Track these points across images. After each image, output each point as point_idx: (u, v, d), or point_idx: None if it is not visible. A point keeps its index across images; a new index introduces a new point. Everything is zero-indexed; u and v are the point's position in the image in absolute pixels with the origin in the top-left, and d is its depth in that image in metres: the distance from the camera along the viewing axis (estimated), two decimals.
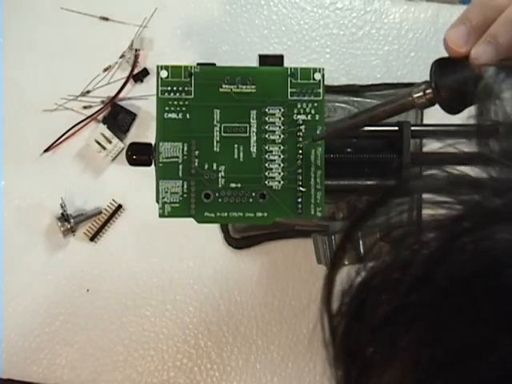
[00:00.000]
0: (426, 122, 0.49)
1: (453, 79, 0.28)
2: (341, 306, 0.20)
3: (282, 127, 0.34)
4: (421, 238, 0.19)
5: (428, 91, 0.29)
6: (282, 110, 0.34)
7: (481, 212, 0.17)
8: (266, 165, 0.34)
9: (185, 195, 0.33)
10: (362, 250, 0.37)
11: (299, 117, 0.34)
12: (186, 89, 0.33)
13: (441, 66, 0.29)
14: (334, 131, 0.33)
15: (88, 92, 0.52)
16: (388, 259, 0.19)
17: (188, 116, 0.33)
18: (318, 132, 0.34)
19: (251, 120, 0.34)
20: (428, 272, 0.17)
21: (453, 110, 0.29)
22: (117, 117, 0.52)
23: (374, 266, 0.20)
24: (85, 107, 0.52)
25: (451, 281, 0.17)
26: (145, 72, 0.52)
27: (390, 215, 0.20)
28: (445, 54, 0.29)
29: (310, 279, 0.51)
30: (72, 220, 0.50)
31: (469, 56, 0.27)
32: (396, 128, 0.37)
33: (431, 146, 0.42)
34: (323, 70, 0.34)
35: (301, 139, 0.34)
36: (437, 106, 0.29)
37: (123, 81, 0.52)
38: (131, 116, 0.52)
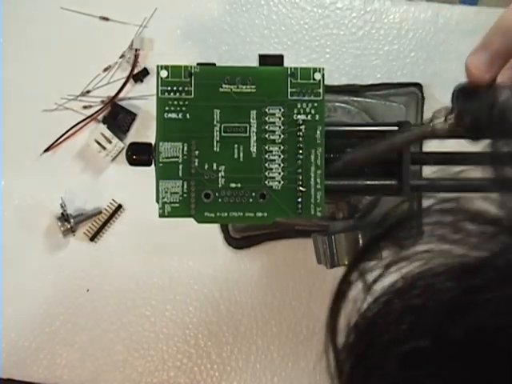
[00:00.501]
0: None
1: (477, 106, 0.28)
2: (346, 344, 0.19)
3: (282, 127, 0.34)
4: (435, 283, 0.17)
5: (450, 117, 0.29)
6: (282, 109, 0.34)
7: (500, 266, 0.16)
8: (266, 165, 0.34)
9: (185, 195, 0.33)
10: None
11: (299, 117, 0.34)
12: (186, 89, 0.33)
13: (464, 93, 0.29)
14: (351, 161, 0.32)
15: (88, 92, 0.52)
16: (398, 302, 0.18)
17: (188, 116, 0.33)
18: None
19: (251, 120, 0.34)
20: (442, 322, 0.16)
21: (476, 137, 0.29)
22: (117, 117, 0.52)
23: (382, 307, 0.18)
24: (85, 107, 0.52)
25: (466, 335, 0.16)
26: (145, 72, 0.52)
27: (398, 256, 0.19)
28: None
29: (310, 279, 0.51)
30: (72, 220, 0.50)
31: (494, 82, 0.27)
32: (396, 128, 0.37)
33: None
34: (323, 69, 0.34)
35: (301, 139, 0.34)
36: None
37: (123, 81, 0.52)
38: (131, 116, 0.52)
